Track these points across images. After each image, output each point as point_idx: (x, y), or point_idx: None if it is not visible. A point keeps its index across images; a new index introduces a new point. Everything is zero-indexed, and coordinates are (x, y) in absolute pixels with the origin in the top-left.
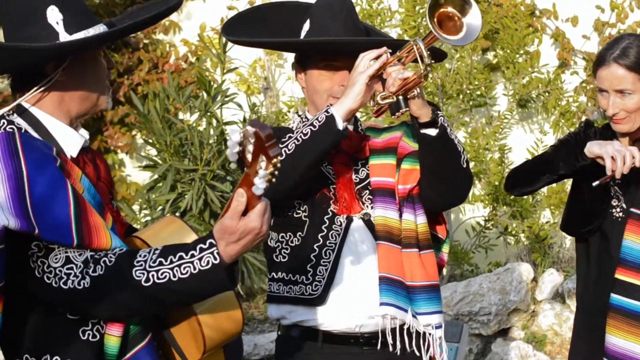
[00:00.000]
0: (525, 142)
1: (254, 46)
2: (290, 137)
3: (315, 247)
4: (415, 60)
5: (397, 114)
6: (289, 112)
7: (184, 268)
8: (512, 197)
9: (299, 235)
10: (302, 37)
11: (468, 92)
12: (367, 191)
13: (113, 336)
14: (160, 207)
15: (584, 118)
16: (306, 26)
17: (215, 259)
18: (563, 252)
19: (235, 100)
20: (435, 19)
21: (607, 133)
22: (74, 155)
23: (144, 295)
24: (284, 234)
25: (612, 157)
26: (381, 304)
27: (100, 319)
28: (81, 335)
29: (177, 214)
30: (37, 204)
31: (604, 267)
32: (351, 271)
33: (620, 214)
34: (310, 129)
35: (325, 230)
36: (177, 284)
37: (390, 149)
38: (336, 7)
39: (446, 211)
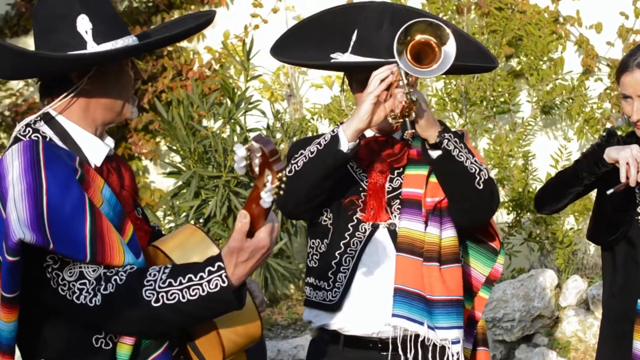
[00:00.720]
0: (549, 148)
1: (297, 65)
2: (301, 153)
3: (337, 254)
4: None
5: (405, 134)
6: (312, 119)
7: (193, 290)
8: None
9: (325, 243)
10: (350, 49)
11: (492, 98)
12: (398, 201)
13: (125, 344)
14: (184, 214)
15: (608, 125)
16: (354, 37)
17: (223, 281)
18: (587, 259)
19: (258, 107)
20: (408, 52)
21: (631, 141)
22: (98, 165)
23: (153, 315)
24: (314, 240)
25: (628, 164)
26: (393, 315)
27: (111, 333)
28: (94, 343)
29: (201, 220)
30: (54, 219)
31: (631, 274)
32: (367, 279)
33: None
34: (317, 147)
35: (348, 238)
36: (186, 305)
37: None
38: (379, 14)
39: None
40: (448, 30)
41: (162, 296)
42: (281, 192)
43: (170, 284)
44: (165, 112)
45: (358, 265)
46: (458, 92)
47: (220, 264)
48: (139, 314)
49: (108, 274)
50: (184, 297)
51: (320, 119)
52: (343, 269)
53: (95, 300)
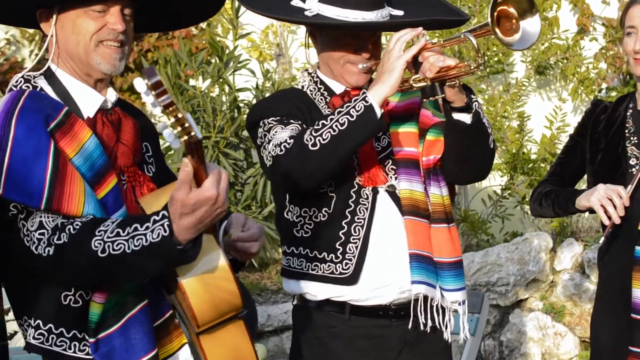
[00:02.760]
0: (543, 109)
1: (264, 15)
2: (324, 125)
3: (343, 223)
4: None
5: (430, 98)
6: None
7: (137, 240)
8: (530, 165)
9: (325, 211)
10: None
11: (485, 58)
12: (390, 161)
13: (96, 303)
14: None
15: (603, 85)
16: None
17: (165, 230)
18: (582, 222)
19: (247, 66)
20: (495, 15)
21: (618, 107)
22: (91, 116)
23: (99, 266)
24: (307, 209)
25: (602, 206)
26: (413, 282)
27: (68, 287)
28: (63, 300)
29: None
30: (13, 165)
31: (627, 227)
32: (381, 248)
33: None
34: (347, 118)
35: (353, 205)
36: (130, 256)
37: (410, 115)
38: None
39: None
40: (535, 8)
41: (109, 246)
42: (191, 132)
43: (117, 234)
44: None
45: (369, 234)
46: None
47: (165, 212)
48: (86, 265)
49: (65, 223)
50: (128, 248)
51: (306, 69)
52: (353, 239)
53: (48, 250)
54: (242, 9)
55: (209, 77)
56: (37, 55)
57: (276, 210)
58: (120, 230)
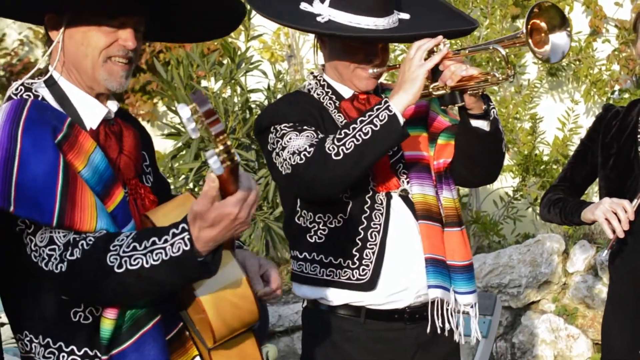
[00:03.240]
0: (555, 111)
1: (278, 23)
2: (347, 134)
3: (359, 229)
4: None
5: (449, 106)
6: None
7: (156, 254)
8: (542, 167)
9: (340, 217)
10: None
11: (497, 60)
12: (401, 165)
13: (107, 319)
14: (183, 176)
15: (616, 87)
16: None
17: (186, 245)
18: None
19: (259, 68)
20: (529, 27)
21: (631, 112)
22: (94, 127)
23: (116, 282)
24: (321, 214)
25: (607, 219)
26: (430, 286)
27: (80, 303)
28: (72, 317)
29: (201, 182)
30: (23, 180)
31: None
32: (397, 253)
33: None
34: (371, 128)
35: (368, 211)
36: (150, 271)
37: (418, 119)
38: None
39: None
40: (566, 21)
41: (125, 261)
42: (236, 158)
43: (134, 249)
44: (164, 72)
45: (386, 239)
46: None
47: (185, 226)
48: (102, 281)
49: (77, 239)
50: (147, 262)
51: (311, 72)
52: (370, 244)
53: (61, 267)
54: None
55: (221, 78)
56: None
57: (285, 215)
58: (137, 245)
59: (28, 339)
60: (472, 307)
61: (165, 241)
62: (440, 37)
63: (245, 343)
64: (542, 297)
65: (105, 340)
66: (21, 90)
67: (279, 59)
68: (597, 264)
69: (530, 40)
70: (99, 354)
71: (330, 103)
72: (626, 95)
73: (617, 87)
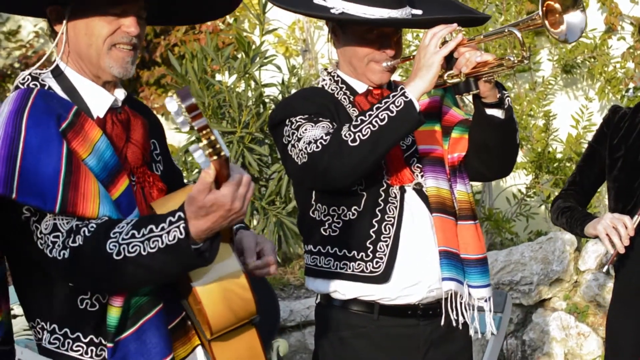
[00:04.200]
0: (569, 108)
1: (291, 11)
2: (363, 121)
3: (374, 222)
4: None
5: (464, 94)
6: None
7: (153, 242)
8: (555, 164)
9: (355, 210)
10: None
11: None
12: (415, 159)
13: (113, 307)
14: (196, 170)
15: (630, 85)
16: None
17: (181, 233)
18: None
19: (274, 62)
20: (544, 8)
21: (638, 114)
22: (101, 116)
23: (115, 269)
24: (336, 207)
25: (608, 235)
26: (443, 279)
27: (84, 290)
28: (79, 304)
29: None
30: (26, 167)
31: None
32: (411, 246)
33: None
34: (387, 114)
35: (382, 204)
36: (147, 258)
37: (432, 114)
38: None
39: None
40: (580, 2)
41: (124, 248)
42: (223, 153)
43: (132, 236)
44: (178, 66)
45: (399, 232)
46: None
47: (181, 214)
48: (102, 268)
49: (80, 225)
50: (144, 250)
51: (325, 68)
52: (384, 237)
53: (63, 254)
54: (270, 4)
55: (235, 72)
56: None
57: (299, 210)
58: (136, 232)
59: (40, 326)
60: (486, 301)
61: (162, 229)
62: (454, 25)
63: (247, 337)
64: (553, 294)
65: (112, 327)
66: (28, 79)
67: (293, 53)
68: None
69: (546, 22)
70: (104, 341)
71: (344, 98)
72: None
73: (631, 85)
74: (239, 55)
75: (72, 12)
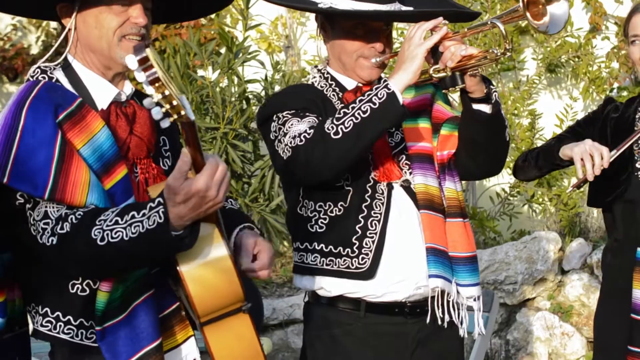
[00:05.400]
0: (553, 108)
1: (277, 4)
2: (346, 114)
3: (360, 217)
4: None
5: (450, 89)
6: None
7: (134, 227)
8: None
9: (341, 205)
10: None
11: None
12: (404, 156)
13: (102, 292)
14: None
15: (615, 85)
16: None
17: (160, 217)
18: (591, 222)
19: (257, 58)
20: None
21: (628, 109)
22: (105, 107)
23: (99, 254)
24: (322, 203)
25: (582, 159)
26: (430, 276)
27: (71, 275)
28: (70, 288)
29: None
30: (21, 154)
31: (629, 229)
32: (397, 242)
33: None
34: (370, 106)
35: (369, 200)
36: (128, 243)
37: (422, 111)
38: None
39: None
40: None
41: (107, 234)
42: (181, 112)
43: (116, 222)
44: (160, 60)
45: (386, 228)
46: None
47: (160, 199)
48: (87, 254)
49: (68, 213)
50: (126, 236)
51: (315, 66)
52: (370, 233)
53: (52, 240)
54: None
55: (219, 67)
56: (43, 41)
57: (288, 207)
58: (119, 219)
59: (34, 310)
60: (475, 300)
61: (143, 215)
62: (440, 18)
63: (240, 324)
64: (537, 294)
65: (99, 312)
66: (37, 72)
67: (276, 49)
68: (593, 262)
69: (528, 13)
70: (94, 325)
71: (333, 95)
72: (624, 93)
73: (616, 85)
74: (225, 51)
75: (81, 5)
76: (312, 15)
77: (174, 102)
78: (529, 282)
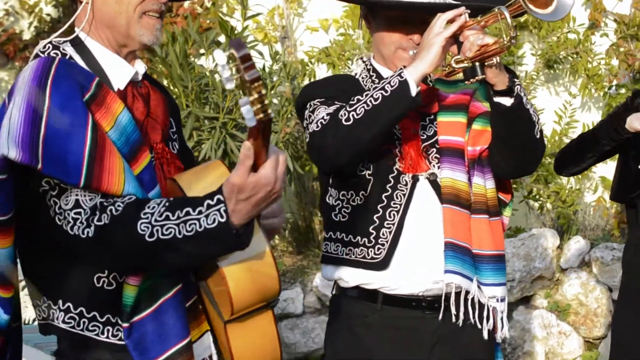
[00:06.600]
0: (552, 104)
1: None
2: (359, 100)
3: (379, 207)
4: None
5: (471, 80)
6: (310, 62)
7: (190, 225)
8: None
9: (362, 194)
10: None
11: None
12: (435, 149)
13: (130, 285)
14: None
15: (614, 82)
16: None
17: (222, 216)
18: (589, 220)
19: (255, 48)
20: None
21: None
22: (122, 88)
23: (146, 250)
24: (345, 192)
25: None
26: (446, 271)
27: (105, 269)
28: (96, 282)
29: None
30: (50, 137)
31: None
32: (415, 235)
33: None
34: (382, 93)
35: (390, 190)
36: (182, 241)
37: (461, 105)
38: None
39: None
40: None
41: (157, 230)
42: (268, 110)
43: (167, 218)
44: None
45: (404, 220)
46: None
47: (220, 197)
48: (132, 249)
49: (105, 203)
50: (180, 233)
51: (317, 62)
52: (387, 224)
53: (87, 232)
54: None
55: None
56: (36, 27)
57: (320, 195)
58: (170, 214)
59: (46, 304)
60: (498, 300)
61: (200, 212)
62: (462, 8)
63: (263, 320)
64: (535, 292)
65: (128, 307)
66: (49, 48)
67: (272, 40)
68: (591, 260)
69: (529, 3)
70: (120, 321)
71: (371, 86)
72: (622, 91)
73: (614, 83)
74: (225, 40)
75: None
76: (309, 6)
77: (265, 102)
78: (527, 279)
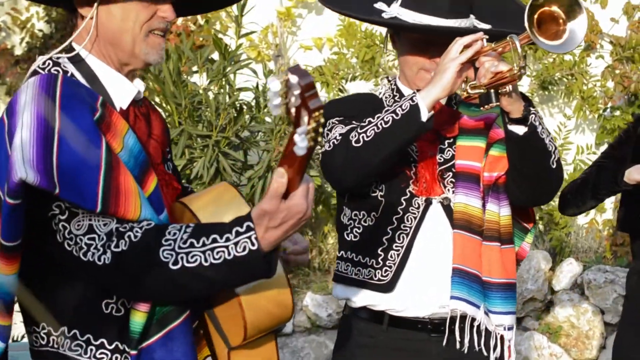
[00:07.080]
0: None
1: (341, 14)
2: (370, 122)
3: (388, 229)
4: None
5: (486, 106)
6: None
7: (217, 253)
8: None
9: (373, 216)
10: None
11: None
12: (451, 173)
13: (139, 312)
14: None
15: (609, 104)
16: None
17: (252, 244)
18: (581, 242)
19: (249, 66)
20: (535, 18)
21: None
22: (124, 108)
23: (170, 279)
24: (357, 212)
25: None
26: (452, 297)
27: (121, 298)
28: (104, 308)
29: (183, 181)
30: (64, 161)
31: None
32: (424, 259)
33: None
34: (393, 117)
35: (401, 213)
36: (209, 269)
37: (481, 130)
38: None
39: None
40: (583, 7)
41: (182, 258)
42: (319, 139)
43: (191, 245)
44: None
45: (413, 243)
46: None
47: (250, 224)
48: (155, 277)
49: (121, 229)
50: (206, 261)
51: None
52: (396, 246)
53: (104, 258)
54: (247, 7)
55: (214, 74)
56: (27, 43)
57: (336, 213)
58: (195, 241)
59: (45, 331)
60: (505, 329)
61: (228, 239)
62: (480, 34)
63: (266, 345)
64: (526, 313)
65: (136, 334)
66: (49, 64)
67: (265, 58)
68: (584, 283)
69: (537, 33)
70: (127, 349)
71: None
72: (617, 113)
73: (609, 105)
74: (219, 58)
75: None
76: (303, 25)
77: (320, 130)
78: (519, 301)
